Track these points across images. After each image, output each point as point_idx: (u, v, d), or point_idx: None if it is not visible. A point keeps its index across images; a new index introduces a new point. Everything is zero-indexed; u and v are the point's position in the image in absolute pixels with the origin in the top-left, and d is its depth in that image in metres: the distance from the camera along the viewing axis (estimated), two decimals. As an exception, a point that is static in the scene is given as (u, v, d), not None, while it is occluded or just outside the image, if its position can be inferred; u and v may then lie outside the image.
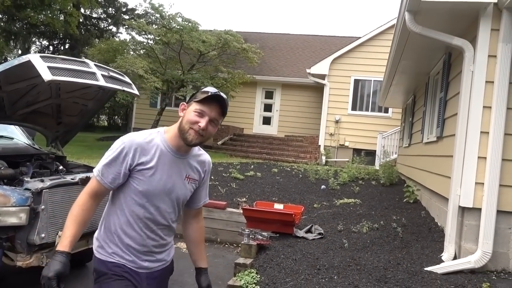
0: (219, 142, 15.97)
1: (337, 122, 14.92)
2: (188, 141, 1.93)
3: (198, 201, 2.23)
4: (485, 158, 4.16)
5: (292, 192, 8.35)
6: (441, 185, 5.52)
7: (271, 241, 4.98)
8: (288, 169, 11.43)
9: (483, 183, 4.16)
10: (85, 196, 1.93)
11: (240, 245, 4.79)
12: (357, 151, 14.48)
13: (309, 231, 5.47)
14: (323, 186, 8.90)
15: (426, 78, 7.91)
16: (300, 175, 10.32)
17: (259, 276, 4.15)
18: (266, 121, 18.32)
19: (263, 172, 10.38)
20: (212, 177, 8.46)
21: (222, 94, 1.93)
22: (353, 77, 15.00)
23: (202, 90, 1.95)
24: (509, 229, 4.19)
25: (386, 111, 14.94)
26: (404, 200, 7.42)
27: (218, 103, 1.92)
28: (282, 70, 18.06)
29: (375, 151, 13.88)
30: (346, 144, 14.82)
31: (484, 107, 4.21)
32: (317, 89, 16.47)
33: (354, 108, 15.05)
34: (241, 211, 5.53)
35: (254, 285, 3.99)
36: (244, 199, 7.27)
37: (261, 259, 4.54)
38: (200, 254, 2.27)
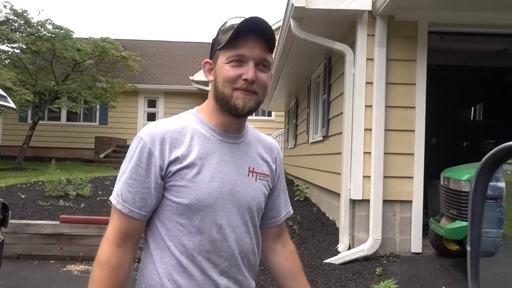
0: (101, 155, 15.18)
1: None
2: (239, 109, 1.22)
3: (277, 212, 1.44)
4: (370, 153, 4.52)
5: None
6: (330, 181, 5.87)
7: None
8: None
9: (369, 176, 4.52)
10: (107, 246, 1.17)
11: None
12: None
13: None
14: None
15: (307, 82, 8.36)
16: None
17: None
18: (150, 130, 17.81)
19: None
20: (100, 192, 7.98)
21: (259, 17, 1.21)
22: (236, 83, 15.30)
23: (224, 27, 1.25)
24: (393, 216, 4.59)
25: (270, 114, 15.52)
26: (295, 199, 7.75)
27: (257, 35, 1.20)
28: (164, 78, 17.77)
29: (261, 154, 14.29)
30: (233, 149, 15.04)
31: (366, 106, 4.58)
32: (202, 96, 16.46)
33: (238, 113, 15.36)
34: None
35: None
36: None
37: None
38: None
